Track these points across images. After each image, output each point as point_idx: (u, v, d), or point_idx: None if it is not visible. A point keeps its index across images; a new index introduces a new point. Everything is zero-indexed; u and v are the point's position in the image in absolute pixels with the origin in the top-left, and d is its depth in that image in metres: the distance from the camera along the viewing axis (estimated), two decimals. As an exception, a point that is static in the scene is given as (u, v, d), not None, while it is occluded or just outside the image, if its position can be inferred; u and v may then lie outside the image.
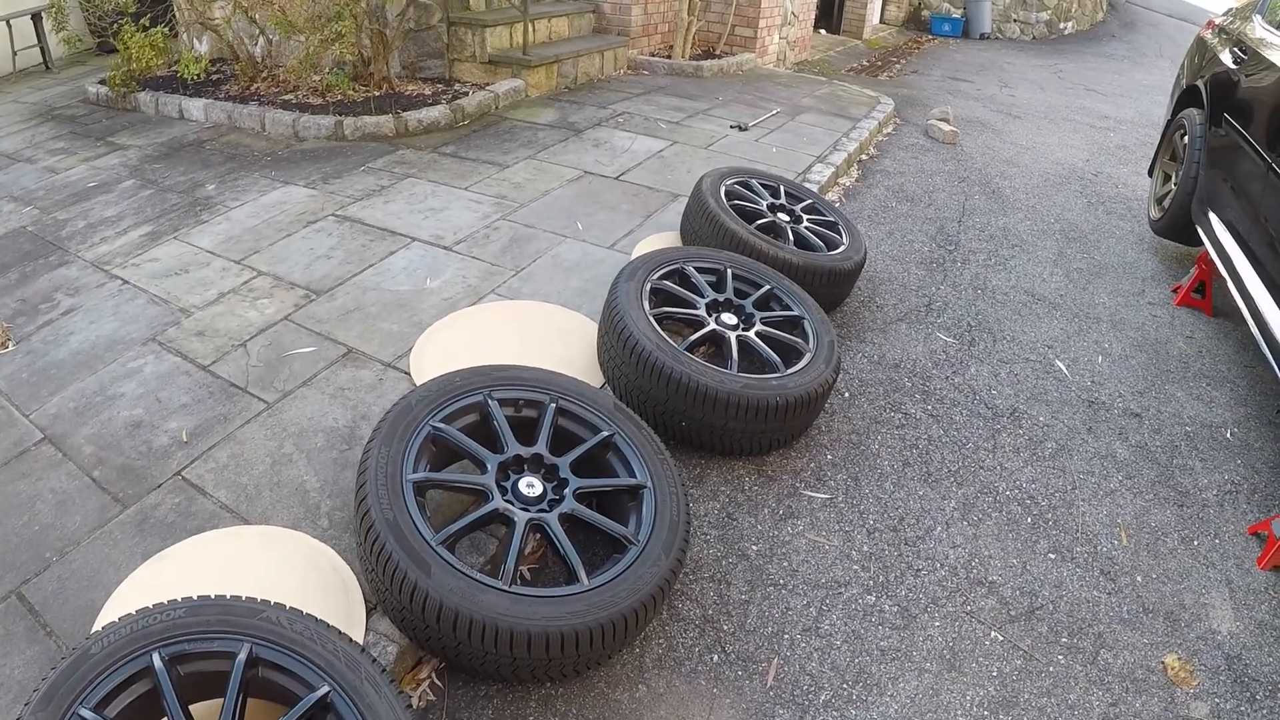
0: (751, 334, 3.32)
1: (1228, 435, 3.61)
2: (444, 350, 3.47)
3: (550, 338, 3.48)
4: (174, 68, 7.90)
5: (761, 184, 4.48)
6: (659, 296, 3.33)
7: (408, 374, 3.41)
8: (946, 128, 7.42)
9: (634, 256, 3.95)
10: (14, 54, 9.33)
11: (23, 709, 1.91)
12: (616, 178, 5.53)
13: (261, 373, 3.55)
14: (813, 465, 3.24)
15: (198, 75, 7.38)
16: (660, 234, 4.37)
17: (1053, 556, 2.92)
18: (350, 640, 2.10)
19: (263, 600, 2.14)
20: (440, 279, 4.13)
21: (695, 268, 3.49)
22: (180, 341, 3.80)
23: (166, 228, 4.98)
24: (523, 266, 4.19)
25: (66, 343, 3.90)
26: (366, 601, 2.46)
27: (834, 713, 2.39)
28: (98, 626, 2.53)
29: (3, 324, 4.05)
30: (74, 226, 5.08)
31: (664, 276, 3.39)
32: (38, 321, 4.05)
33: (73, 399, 3.52)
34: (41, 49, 9.63)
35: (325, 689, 2.00)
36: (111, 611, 2.57)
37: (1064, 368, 4.01)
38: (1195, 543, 3.03)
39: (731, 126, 6.76)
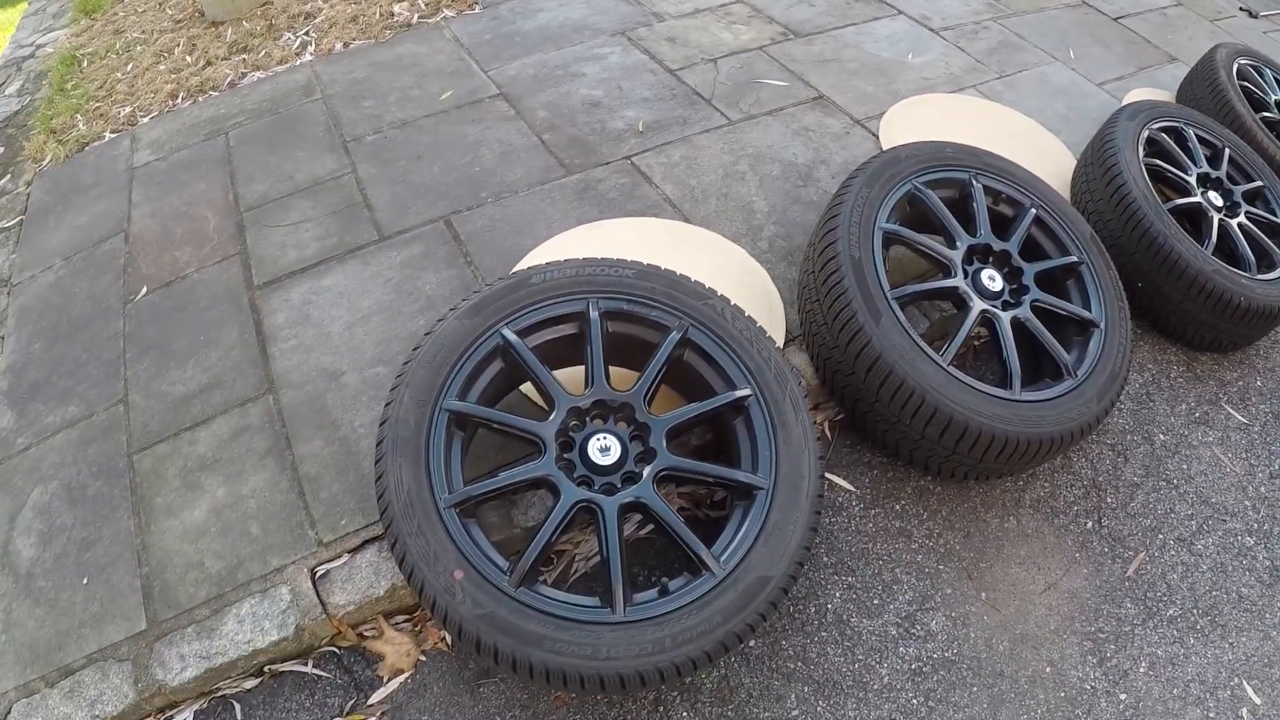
0: (1235, 223, 2.97)
1: None
2: (918, 126, 3.34)
3: (1022, 151, 3.27)
4: None
5: (1275, 76, 3.92)
6: (1152, 148, 3.03)
7: (875, 136, 3.32)
8: None
9: (1125, 103, 3.62)
10: None
11: (449, 311, 2.06)
12: (1115, 19, 5.01)
13: (728, 91, 3.56)
14: (1241, 383, 2.94)
15: None
16: (1152, 89, 3.98)
17: None
18: (784, 354, 2.11)
19: (710, 288, 2.17)
20: (922, 58, 3.95)
21: (1195, 134, 3.14)
22: (649, 42, 3.86)
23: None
24: (1007, 73, 3.94)
25: (533, 18, 4.06)
26: (788, 332, 2.48)
27: (1175, 631, 2.23)
28: (519, 268, 2.68)
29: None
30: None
31: (1162, 130, 3.07)
32: (506, -5, 4.21)
33: (533, 67, 3.69)
34: None
35: (747, 391, 2.03)
36: (536, 259, 2.71)
37: None
38: None
39: (1240, 9, 5.93)
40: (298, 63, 4.04)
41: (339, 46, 4.11)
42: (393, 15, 4.30)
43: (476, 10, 4.26)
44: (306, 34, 4.29)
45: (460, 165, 3.21)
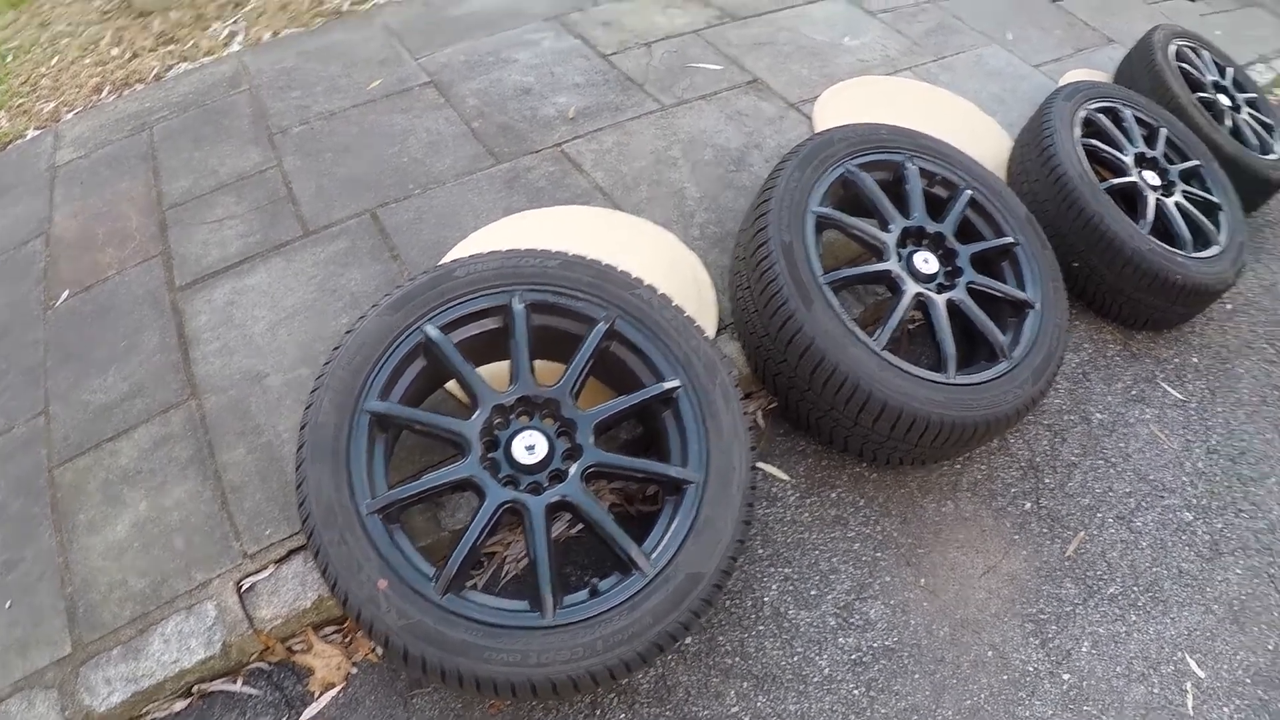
0: (1170, 201, 2.98)
1: None
2: (852, 109, 3.32)
3: (958, 133, 3.25)
4: None
5: (1212, 58, 3.94)
6: (1089, 128, 3.03)
7: (809, 119, 3.29)
8: None
9: (1061, 83, 3.63)
10: None
11: (370, 308, 1.99)
12: (1054, 2, 5.04)
13: (661, 76, 3.51)
14: (1177, 360, 2.95)
15: None
16: (1090, 70, 3.99)
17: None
18: (714, 344, 2.07)
19: (637, 277, 2.12)
20: (859, 40, 3.92)
21: (1132, 114, 3.14)
22: (583, 27, 3.80)
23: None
24: (944, 56, 3.92)
25: (466, 3, 3.98)
26: (720, 320, 2.44)
27: (1116, 609, 2.24)
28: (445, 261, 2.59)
29: (414, -33, 4.15)
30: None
31: (1099, 110, 3.07)
32: (438, -19, 4.12)
33: (464, 54, 3.62)
34: None
35: (676, 383, 1.98)
36: (462, 252, 2.64)
37: None
38: None
39: (1178, -8, 5.94)
40: (225, 53, 3.93)
41: (268, 36, 4.00)
42: (323, 2, 4.20)
43: (410, -4, 4.16)
44: (235, 23, 4.17)
45: (387, 156, 3.13)
